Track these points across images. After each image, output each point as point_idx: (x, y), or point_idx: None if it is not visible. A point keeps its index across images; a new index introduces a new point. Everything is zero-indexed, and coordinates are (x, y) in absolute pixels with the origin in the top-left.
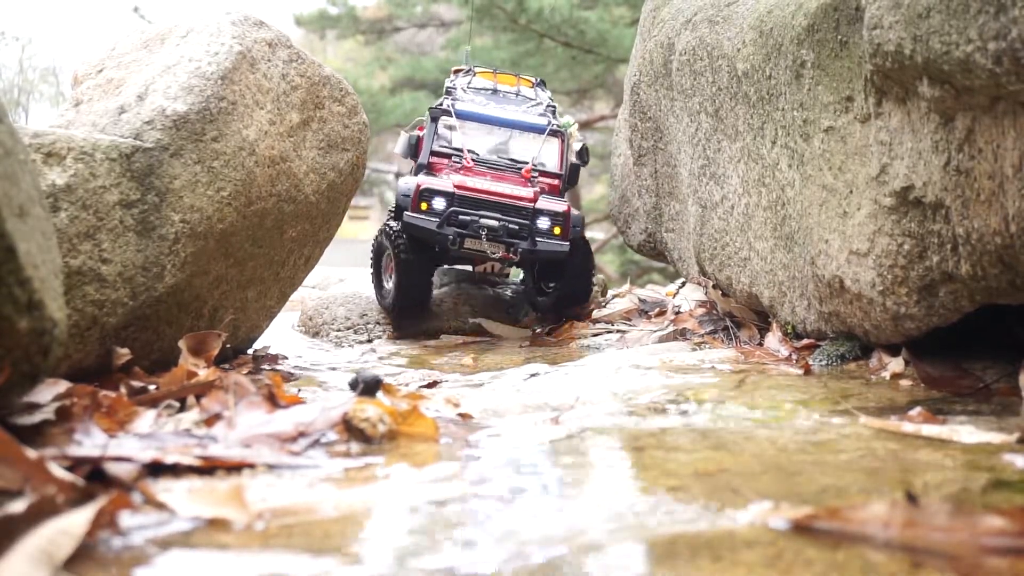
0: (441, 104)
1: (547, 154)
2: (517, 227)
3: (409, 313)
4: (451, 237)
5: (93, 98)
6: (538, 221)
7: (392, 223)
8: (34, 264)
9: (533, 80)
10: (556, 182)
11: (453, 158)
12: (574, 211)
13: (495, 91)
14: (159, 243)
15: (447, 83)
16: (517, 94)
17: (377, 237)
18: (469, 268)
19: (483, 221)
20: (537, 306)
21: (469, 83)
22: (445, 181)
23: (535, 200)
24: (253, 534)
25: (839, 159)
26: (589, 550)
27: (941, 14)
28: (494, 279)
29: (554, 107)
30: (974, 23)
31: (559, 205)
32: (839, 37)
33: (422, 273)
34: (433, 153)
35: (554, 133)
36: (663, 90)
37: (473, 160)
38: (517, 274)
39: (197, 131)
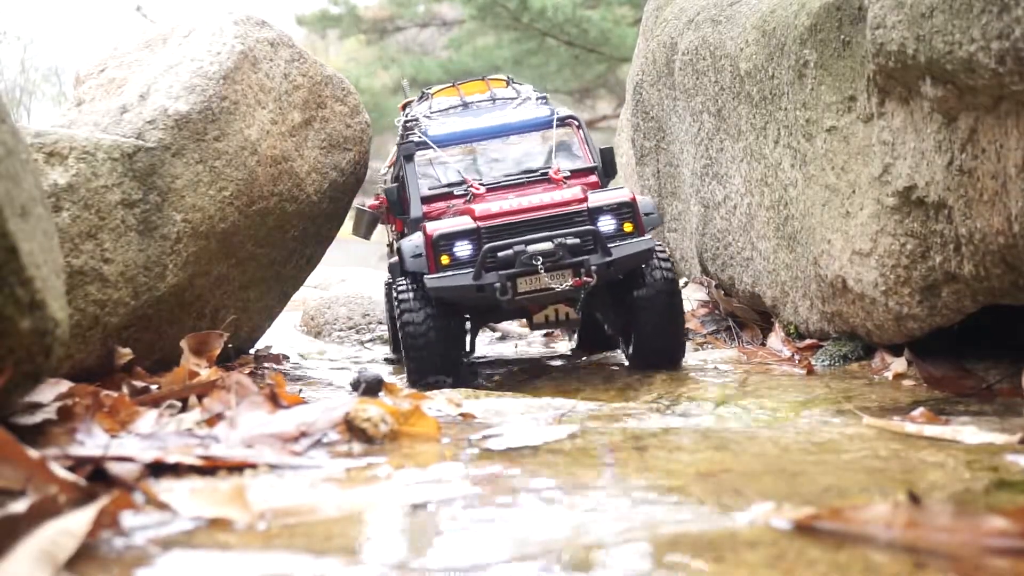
0: (407, 137)
1: (567, 148)
2: (578, 239)
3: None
4: (499, 285)
5: (95, 97)
6: (600, 222)
7: (402, 287)
8: (36, 264)
9: (504, 78)
10: (593, 178)
11: (455, 193)
12: (640, 196)
13: (465, 105)
14: (161, 243)
15: (400, 122)
16: (493, 99)
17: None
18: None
19: (532, 248)
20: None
21: (430, 108)
22: (461, 218)
23: (586, 198)
24: (255, 534)
25: (842, 159)
26: (592, 549)
27: (944, 14)
28: (563, 328)
29: (544, 97)
30: (977, 23)
31: (619, 194)
32: (842, 37)
33: (448, 341)
34: (425, 200)
35: (565, 121)
36: (666, 90)
37: (481, 185)
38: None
39: (199, 130)
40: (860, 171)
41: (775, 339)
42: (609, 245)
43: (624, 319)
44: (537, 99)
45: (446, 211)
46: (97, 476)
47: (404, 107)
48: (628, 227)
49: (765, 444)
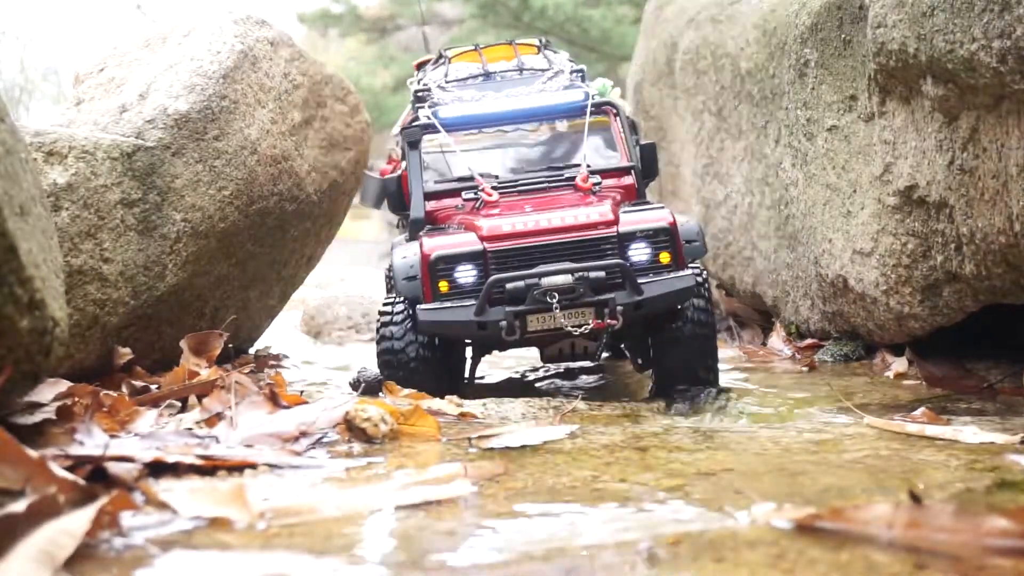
0: (415, 120)
1: (600, 142)
2: (603, 273)
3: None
4: (504, 324)
5: (95, 97)
6: (631, 250)
7: (387, 304)
8: (35, 263)
9: (536, 43)
10: (629, 180)
11: (463, 195)
12: (681, 217)
13: (487, 75)
14: (160, 242)
15: (413, 86)
16: (521, 70)
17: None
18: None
19: (547, 281)
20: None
21: (446, 75)
22: (465, 236)
23: (616, 219)
24: (255, 534)
25: (842, 158)
26: (592, 549)
27: (945, 12)
28: (582, 359)
29: (581, 71)
30: (978, 21)
31: (656, 215)
32: (843, 36)
33: (439, 374)
34: (429, 196)
35: (600, 108)
36: (666, 89)
37: (494, 189)
38: None
39: (199, 130)
40: (861, 170)
41: (776, 339)
42: (641, 280)
43: (649, 349)
44: (572, 72)
45: (453, 214)
46: (97, 476)
47: (419, 66)
48: (664, 258)
49: (766, 443)
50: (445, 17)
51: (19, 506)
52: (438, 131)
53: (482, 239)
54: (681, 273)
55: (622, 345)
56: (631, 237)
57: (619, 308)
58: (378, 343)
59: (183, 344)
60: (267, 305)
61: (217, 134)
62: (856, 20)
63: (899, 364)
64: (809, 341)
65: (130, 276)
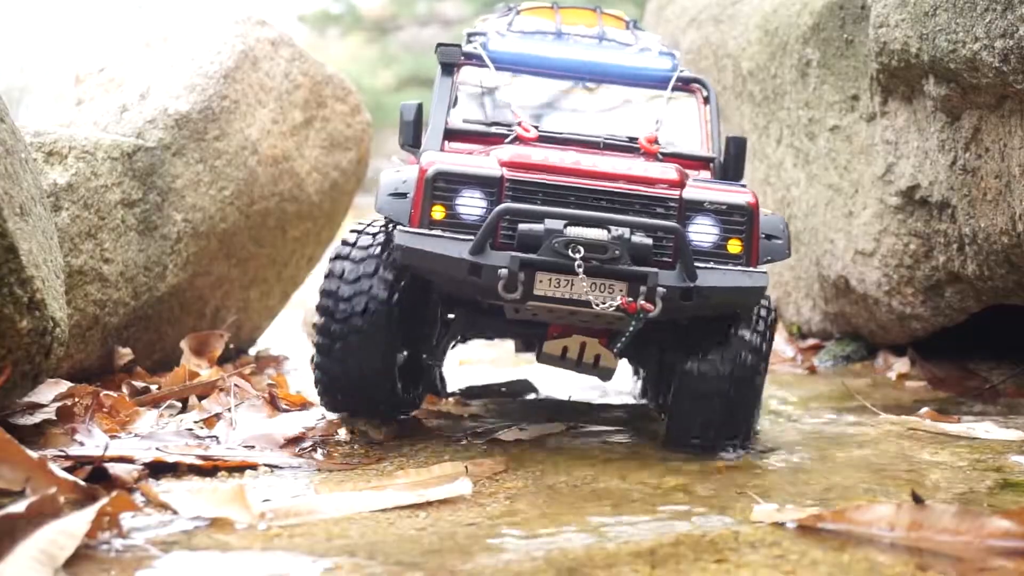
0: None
1: (682, 124)
2: (650, 238)
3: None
4: (505, 274)
5: (95, 97)
6: (693, 225)
7: (353, 232)
8: (35, 263)
9: (625, 18)
10: (705, 174)
11: (495, 137)
12: (764, 210)
13: (559, 34)
14: (161, 243)
15: (470, 32)
16: (601, 38)
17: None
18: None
19: (573, 230)
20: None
21: (510, 25)
22: (484, 158)
23: (681, 181)
24: (255, 535)
25: (844, 158)
26: (592, 549)
27: (948, 12)
28: (590, 372)
29: (672, 55)
30: (981, 21)
31: (735, 192)
32: (844, 36)
33: (392, 341)
34: (452, 135)
35: (687, 85)
36: None
37: (540, 132)
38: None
39: (199, 130)
40: (863, 170)
41: (778, 339)
42: (698, 264)
43: (669, 379)
44: (662, 54)
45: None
46: (97, 476)
47: (487, 19)
48: (734, 246)
49: (766, 445)
50: (446, 17)
51: (19, 507)
52: (483, 63)
53: (502, 164)
54: (753, 270)
55: (636, 371)
56: (697, 207)
57: (661, 290)
58: (321, 287)
59: (184, 345)
60: (268, 305)
61: (218, 134)
62: (858, 20)
63: (901, 365)
64: (811, 342)
65: (130, 276)
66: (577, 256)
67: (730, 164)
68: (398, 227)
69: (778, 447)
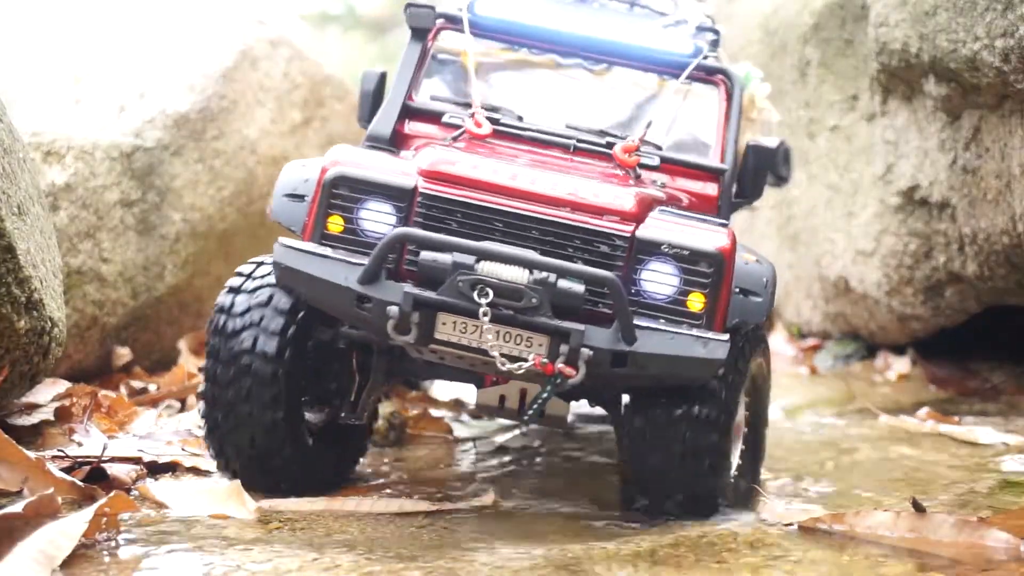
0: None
1: (693, 124)
2: (581, 286)
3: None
4: (395, 313)
5: (94, 96)
6: (646, 271)
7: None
8: (33, 263)
9: None
10: (711, 188)
11: (446, 120)
12: (751, 255)
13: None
14: (160, 243)
15: None
16: (633, 4)
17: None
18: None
19: (486, 266)
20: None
21: None
22: (400, 162)
23: (639, 214)
24: (254, 532)
25: (844, 158)
26: (592, 549)
27: (948, 12)
28: (536, 423)
29: (716, 32)
30: (981, 20)
31: (705, 231)
32: (844, 36)
33: (295, 390)
34: (411, 113)
35: (710, 76)
36: None
37: (497, 126)
38: None
39: (198, 130)
40: (863, 170)
41: (778, 339)
42: (641, 323)
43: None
44: (702, 30)
45: (426, 146)
46: (95, 476)
47: None
48: (696, 302)
49: (767, 444)
50: None
51: (17, 507)
52: (460, 27)
53: (423, 172)
54: (713, 337)
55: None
56: (652, 250)
57: (586, 352)
58: (207, 325)
59: (182, 344)
60: None
61: (216, 134)
62: (858, 19)
63: (901, 365)
64: (811, 342)
65: (129, 276)
66: (483, 301)
67: (747, 179)
68: (279, 240)
69: (777, 448)
